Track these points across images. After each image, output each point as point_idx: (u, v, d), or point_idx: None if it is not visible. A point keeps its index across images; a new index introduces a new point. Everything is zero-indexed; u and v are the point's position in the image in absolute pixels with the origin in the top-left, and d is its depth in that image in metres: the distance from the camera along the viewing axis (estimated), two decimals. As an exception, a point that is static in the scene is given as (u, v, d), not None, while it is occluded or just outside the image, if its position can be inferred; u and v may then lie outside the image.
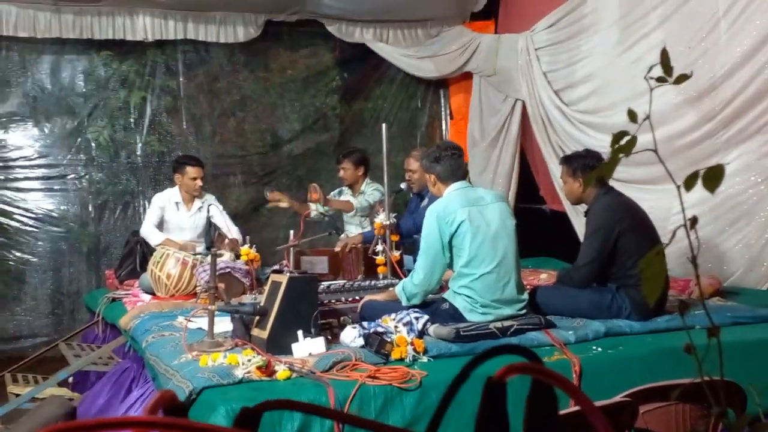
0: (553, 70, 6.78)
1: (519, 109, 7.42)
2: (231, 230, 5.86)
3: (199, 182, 5.85)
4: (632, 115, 1.27)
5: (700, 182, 1.21)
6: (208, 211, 5.92)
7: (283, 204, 5.86)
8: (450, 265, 4.06)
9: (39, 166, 6.80)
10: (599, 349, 3.75)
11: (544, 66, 6.86)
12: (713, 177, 1.24)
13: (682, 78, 1.29)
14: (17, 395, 4.81)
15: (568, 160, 4.47)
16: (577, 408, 2.55)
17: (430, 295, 4.30)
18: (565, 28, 6.61)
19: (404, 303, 4.07)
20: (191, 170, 5.84)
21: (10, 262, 6.72)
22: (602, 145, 5.28)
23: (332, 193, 6.49)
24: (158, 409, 0.60)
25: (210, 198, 6.04)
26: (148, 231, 5.81)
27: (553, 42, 6.77)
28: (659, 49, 1.27)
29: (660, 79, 1.26)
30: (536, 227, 7.59)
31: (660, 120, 5.32)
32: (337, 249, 5.48)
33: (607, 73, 6.02)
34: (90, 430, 0.51)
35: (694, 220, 1.29)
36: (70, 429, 0.51)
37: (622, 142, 1.24)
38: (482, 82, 7.70)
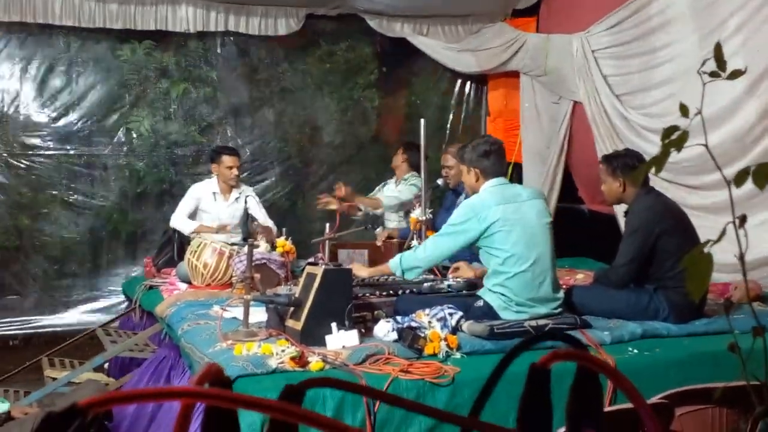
0: (615, 74, 6.59)
1: (570, 110, 7.34)
2: (267, 222, 5.91)
3: (235, 171, 5.90)
4: (684, 110, 1.25)
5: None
6: (246, 202, 5.98)
7: (332, 206, 5.88)
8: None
9: (80, 155, 6.90)
10: (635, 350, 3.71)
11: (605, 69, 6.69)
12: (764, 174, 1.21)
13: (737, 73, 1.27)
14: (54, 379, 4.88)
15: (608, 160, 4.42)
16: (619, 407, 2.52)
17: (464, 291, 4.30)
18: (628, 30, 6.41)
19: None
20: (227, 159, 5.89)
21: (51, 249, 6.83)
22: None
23: (378, 187, 6.54)
24: (205, 382, 0.60)
25: (247, 189, 6.11)
26: (180, 221, 5.85)
27: (613, 44, 6.58)
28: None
29: (713, 74, 1.24)
30: (574, 227, 7.54)
31: (728, 121, 5.22)
32: (379, 243, 5.49)
33: (684, 78, 5.80)
34: (143, 399, 0.52)
35: (743, 218, 1.27)
36: (127, 397, 0.51)
37: (673, 136, 1.22)
38: (532, 82, 7.62)
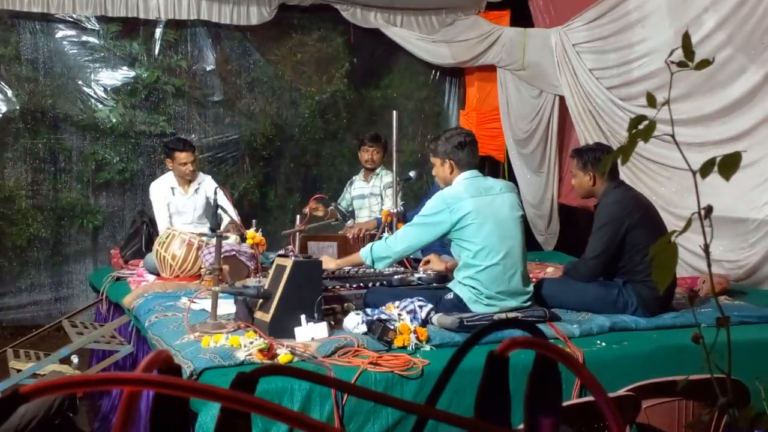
0: (600, 67, 6.59)
1: (557, 104, 7.34)
2: (233, 216, 5.84)
3: (189, 167, 5.70)
4: (651, 100, 1.24)
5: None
6: (215, 193, 5.88)
7: (318, 213, 5.81)
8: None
9: (46, 143, 6.79)
10: (603, 343, 3.73)
11: (589, 63, 6.68)
12: (730, 165, 1.21)
13: (704, 63, 1.26)
14: (19, 371, 4.81)
15: (579, 153, 4.43)
16: (578, 401, 2.53)
17: (435, 284, 4.29)
18: (607, 24, 6.43)
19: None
20: (180, 155, 5.68)
21: (16, 239, 6.73)
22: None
23: (345, 187, 6.49)
24: (153, 369, 0.58)
25: (207, 178, 5.96)
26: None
27: (593, 38, 6.60)
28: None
29: (681, 64, 1.24)
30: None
31: (752, 107, 5.30)
32: (349, 235, 5.47)
33: (666, 72, 5.78)
34: (86, 386, 0.50)
35: (709, 209, 1.26)
36: (69, 383, 0.49)
37: (640, 126, 1.21)
38: (510, 76, 7.60)
